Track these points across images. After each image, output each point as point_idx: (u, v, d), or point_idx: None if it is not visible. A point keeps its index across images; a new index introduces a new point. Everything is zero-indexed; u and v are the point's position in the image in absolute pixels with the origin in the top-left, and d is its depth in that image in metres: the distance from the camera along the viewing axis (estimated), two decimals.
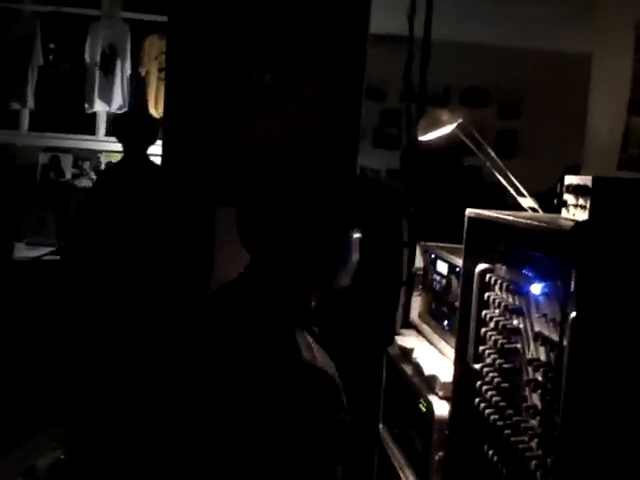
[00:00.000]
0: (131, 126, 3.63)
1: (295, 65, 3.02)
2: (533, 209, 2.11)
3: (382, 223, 3.70)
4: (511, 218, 1.75)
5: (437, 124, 1.97)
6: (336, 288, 1.63)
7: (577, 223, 1.42)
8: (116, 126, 3.91)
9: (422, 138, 2.09)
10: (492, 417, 1.80)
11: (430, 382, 2.21)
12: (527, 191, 2.30)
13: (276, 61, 3.00)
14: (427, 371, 2.23)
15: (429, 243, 2.63)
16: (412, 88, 3.55)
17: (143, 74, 5.95)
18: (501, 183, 2.11)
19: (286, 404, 1.43)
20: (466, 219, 1.96)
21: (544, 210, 2.08)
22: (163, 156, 3.12)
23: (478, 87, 6.34)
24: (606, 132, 2.95)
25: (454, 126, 1.92)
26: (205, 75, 3.00)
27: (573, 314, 1.38)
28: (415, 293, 2.71)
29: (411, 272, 3.26)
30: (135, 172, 3.54)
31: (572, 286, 1.46)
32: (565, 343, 1.40)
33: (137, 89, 5.97)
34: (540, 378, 1.59)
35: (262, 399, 1.45)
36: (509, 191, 2.20)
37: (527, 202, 2.11)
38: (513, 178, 2.05)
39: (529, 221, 1.65)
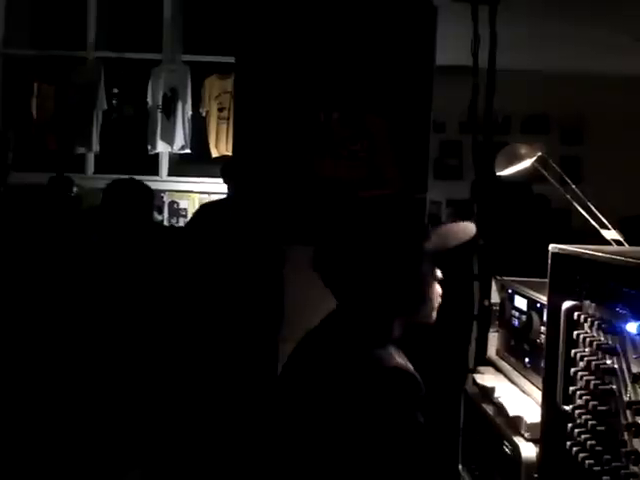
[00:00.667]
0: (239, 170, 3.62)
1: (362, 102, 3.01)
2: (617, 242, 2.04)
3: (452, 257, 3.65)
4: (600, 254, 1.69)
5: (516, 158, 1.92)
6: (421, 321, 1.72)
7: None
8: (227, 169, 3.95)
9: (501, 173, 2.05)
10: (587, 462, 1.73)
11: (515, 423, 2.14)
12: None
13: (343, 99, 3.00)
14: (511, 412, 2.16)
15: (505, 278, 2.56)
16: (476, 119, 3.51)
17: (204, 114, 6.05)
18: (568, 208, 2.07)
19: (368, 399, 1.52)
20: (550, 255, 1.90)
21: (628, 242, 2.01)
22: (234, 198, 3.14)
23: (538, 114, 6.27)
24: None
25: (534, 159, 1.88)
26: (272, 116, 3.02)
27: None
28: (492, 329, 2.64)
29: (483, 306, 3.20)
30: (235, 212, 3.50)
31: None
32: None
33: (198, 129, 6.08)
34: None
35: (348, 400, 1.53)
36: (575, 215, 2.15)
37: (611, 234, 2.04)
38: (595, 210, 1.99)
39: (620, 257, 1.59)
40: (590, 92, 5.71)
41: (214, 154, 6.06)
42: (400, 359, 1.62)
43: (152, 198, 3.48)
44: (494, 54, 3.13)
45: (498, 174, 2.05)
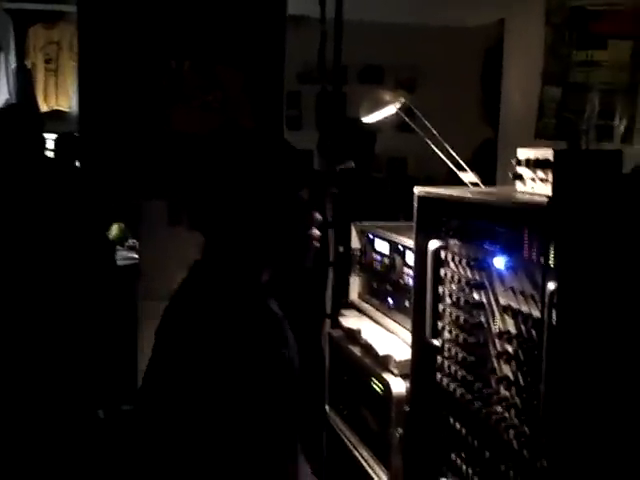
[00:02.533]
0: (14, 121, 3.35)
1: (214, 51, 2.93)
2: (474, 183, 2.15)
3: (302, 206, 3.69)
4: (468, 195, 1.77)
5: (380, 105, 1.97)
6: (297, 266, 1.72)
7: (554, 196, 1.45)
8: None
9: (366, 119, 2.09)
10: (458, 391, 1.83)
11: (384, 361, 2.22)
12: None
13: (194, 48, 2.91)
14: (380, 351, 2.24)
15: (365, 223, 2.63)
16: (324, 69, 3.53)
17: (29, 66, 5.68)
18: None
19: (234, 338, 1.53)
20: (416, 197, 1.97)
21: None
22: (80, 151, 2.98)
23: (373, 65, 6.39)
24: (521, 102, 3.04)
25: (398, 106, 1.93)
26: (120, 65, 2.88)
27: (552, 286, 1.41)
28: (353, 274, 2.71)
29: (339, 252, 3.27)
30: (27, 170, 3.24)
31: (541, 258, 1.51)
32: (545, 314, 1.42)
33: (24, 82, 5.71)
34: (511, 350, 1.62)
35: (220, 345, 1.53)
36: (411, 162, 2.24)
37: (468, 177, 2.14)
38: (454, 154, 2.08)
39: (491, 197, 1.68)
40: (422, 43, 5.89)
41: (43, 108, 5.73)
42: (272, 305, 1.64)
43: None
44: (341, 2, 3.14)
45: (363, 120, 2.09)
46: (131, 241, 5.08)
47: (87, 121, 2.93)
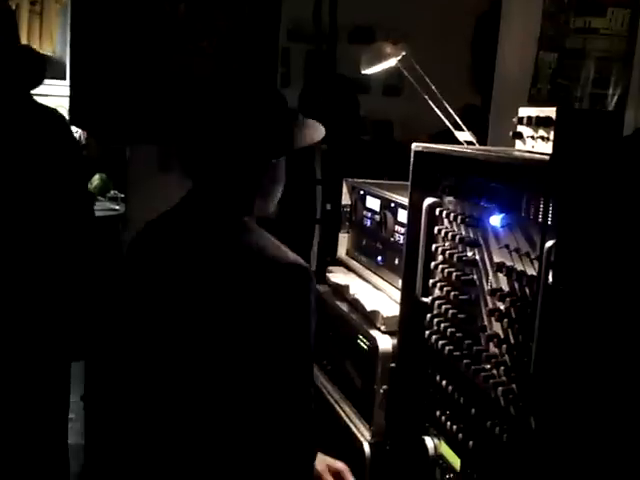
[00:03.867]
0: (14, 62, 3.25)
1: None
2: (470, 142, 2.14)
3: (293, 160, 3.66)
4: (467, 150, 1.76)
5: (381, 57, 1.94)
6: (266, 211, 1.75)
7: (555, 154, 1.44)
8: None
9: (366, 71, 2.06)
10: (447, 348, 1.84)
11: (371, 317, 2.22)
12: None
13: None
14: (368, 307, 2.24)
15: (357, 180, 2.61)
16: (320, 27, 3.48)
17: (13, 7, 5.53)
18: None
19: (265, 293, 1.56)
20: (412, 153, 1.95)
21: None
22: (72, 96, 2.92)
23: (364, 26, 6.32)
24: (516, 67, 3.01)
25: (399, 58, 1.90)
26: (112, 7, 2.81)
27: (549, 243, 1.41)
28: (342, 231, 2.70)
29: (326, 209, 3.26)
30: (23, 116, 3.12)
31: (540, 216, 1.51)
32: (541, 272, 1.42)
33: (7, 24, 5.56)
34: (503, 308, 1.63)
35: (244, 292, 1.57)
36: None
37: (464, 136, 2.13)
38: (451, 110, 2.06)
39: (492, 154, 1.67)
40: (414, 6, 5.83)
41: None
42: (286, 249, 1.65)
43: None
44: None
45: (363, 72, 2.07)
46: (113, 192, 5.03)
47: (77, 64, 2.86)
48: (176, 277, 1.65)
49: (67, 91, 3.43)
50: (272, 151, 1.66)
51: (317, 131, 1.80)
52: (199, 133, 1.67)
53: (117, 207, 4.71)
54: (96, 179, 4.96)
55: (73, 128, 3.49)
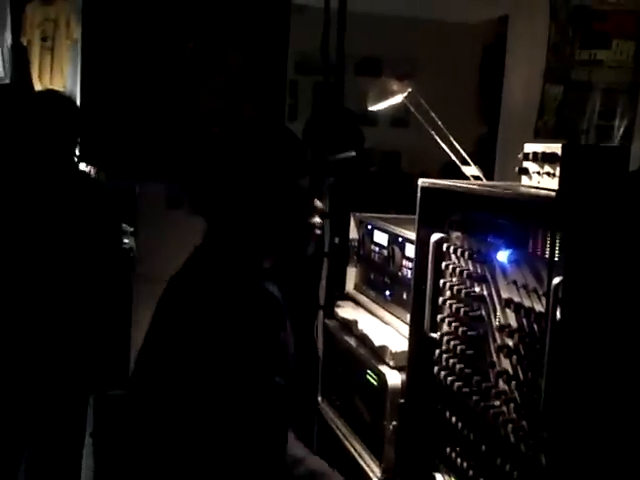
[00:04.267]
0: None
1: (218, 34, 2.91)
2: (476, 177, 2.14)
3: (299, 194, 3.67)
4: (474, 187, 1.76)
5: (388, 94, 1.96)
6: (296, 254, 1.74)
7: (561, 190, 1.44)
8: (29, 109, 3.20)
9: (373, 108, 2.08)
10: (456, 384, 1.83)
11: (380, 352, 2.21)
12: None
13: (198, 30, 2.88)
14: (377, 342, 2.23)
15: (365, 214, 2.62)
16: (327, 59, 3.50)
17: (25, 43, 5.62)
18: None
19: (231, 320, 1.55)
20: (419, 189, 1.96)
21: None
22: (82, 135, 2.95)
23: (371, 57, 6.37)
24: (522, 100, 3.03)
25: (405, 95, 1.92)
26: (123, 44, 2.85)
27: (557, 280, 1.40)
28: (350, 265, 2.70)
29: (334, 243, 3.26)
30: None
31: (547, 252, 1.50)
32: (549, 309, 1.42)
33: (20, 60, 5.65)
34: (511, 344, 1.62)
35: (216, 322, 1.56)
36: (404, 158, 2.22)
37: (471, 170, 2.13)
38: (458, 146, 2.07)
39: (498, 190, 1.67)
40: (421, 37, 5.88)
41: (37, 87, 5.66)
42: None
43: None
44: None
45: (370, 109, 2.09)
46: (124, 226, 5.06)
47: (87, 99, 2.90)
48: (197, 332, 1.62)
49: None
50: (285, 188, 1.66)
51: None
52: (211, 172, 1.68)
53: (126, 241, 4.73)
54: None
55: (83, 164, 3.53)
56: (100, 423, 3.33)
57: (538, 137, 2.95)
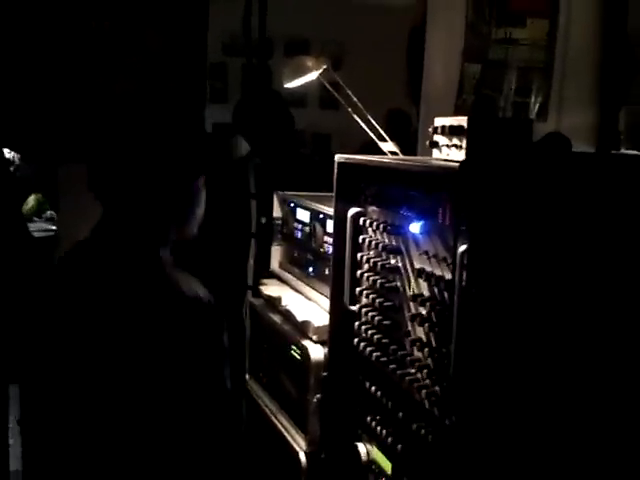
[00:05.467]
0: None
1: (136, 13, 2.88)
2: (393, 152, 2.18)
3: (227, 176, 3.67)
4: (388, 160, 1.80)
5: (303, 71, 1.97)
6: (186, 236, 1.76)
7: (466, 161, 1.49)
8: None
9: (288, 85, 2.09)
10: (374, 354, 1.87)
11: (303, 328, 2.25)
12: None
13: (114, 9, 2.84)
14: (299, 317, 2.26)
15: (287, 192, 2.64)
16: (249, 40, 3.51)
17: None
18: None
19: (174, 331, 1.57)
20: (335, 164, 1.99)
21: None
22: None
23: (300, 38, 6.37)
24: (442, 79, 3.09)
25: (320, 72, 1.94)
26: (37, 23, 2.78)
27: (462, 247, 1.45)
28: (274, 243, 2.72)
29: (261, 223, 3.28)
30: None
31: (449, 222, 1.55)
32: (456, 275, 1.47)
33: None
34: (424, 312, 1.66)
35: (153, 333, 1.58)
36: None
37: (388, 146, 2.17)
38: (375, 124, 2.10)
39: (407, 163, 1.71)
40: (348, 19, 5.90)
41: None
42: (195, 285, 1.67)
43: None
44: None
45: (285, 86, 2.10)
46: (49, 212, 4.97)
47: (1, 83, 2.83)
48: (91, 314, 1.63)
49: None
50: (182, 175, 1.67)
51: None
52: (108, 153, 1.67)
53: (54, 227, 4.65)
54: (31, 200, 4.90)
55: (6, 149, 3.46)
56: (27, 408, 3.28)
57: (457, 115, 3.00)
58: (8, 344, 2.78)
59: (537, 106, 2.87)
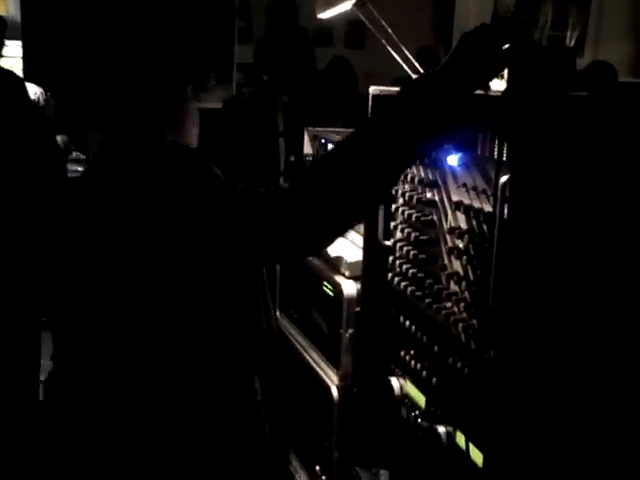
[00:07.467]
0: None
1: None
2: None
3: (254, 113, 3.64)
4: None
5: (336, 1, 1.93)
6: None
7: (508, 90, 1.45)
8: None
9: (321, 16, 2.05)
10: (409, 289, 1.86)
11: (335, 263, 2.24)
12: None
13: None
14: (332, 253, 2.25)
15: (318, 128, 2.61)
16: None
17: None
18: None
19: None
20: (370, 97, 1.96)
21: None
22: (25, 54, 2.87)
23: None
24: (475, 12, 3.02)
25: (354, 2, 1.89)
26: None
27: (504, 178, 1.42)
28: None
29: (289, 161, 3.26)
30: None
31: (489, 153, 1.52)
32: (496, 207, 1.44)
33: None
34: (462, 245, 1.65)
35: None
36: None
37: None
38: (409, 54, 2.05)
39: None
40: None
41: None
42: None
43: None
44: None
45: (318, 16, 2.05)
46: (75, 154, 4.98)
47: (29, 22, 2.80)
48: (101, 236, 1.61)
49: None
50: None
51: None
52: (99, 72, 1.71)
53: (80, 168, 4.66)
54: (57, 141, 4.90)
55: (32, 89, 3.44)
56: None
57: None
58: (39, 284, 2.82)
59: (573, 40, 2.81)
